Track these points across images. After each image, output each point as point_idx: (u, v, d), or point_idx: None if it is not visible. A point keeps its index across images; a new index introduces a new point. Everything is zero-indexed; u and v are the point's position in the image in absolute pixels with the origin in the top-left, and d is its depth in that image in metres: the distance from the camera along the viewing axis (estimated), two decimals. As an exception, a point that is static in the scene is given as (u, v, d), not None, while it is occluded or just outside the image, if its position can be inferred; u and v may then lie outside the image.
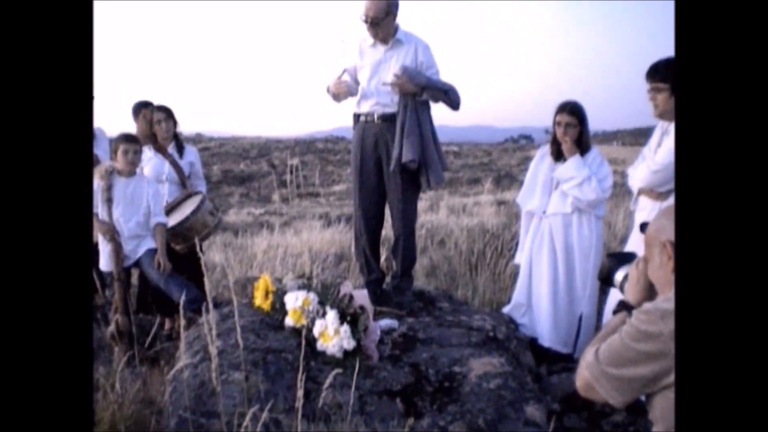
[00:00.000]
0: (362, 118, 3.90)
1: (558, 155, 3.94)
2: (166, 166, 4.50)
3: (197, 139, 40.26)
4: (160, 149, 4.52)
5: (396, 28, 3.79)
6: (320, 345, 2.93)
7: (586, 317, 3.91)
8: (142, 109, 4.68)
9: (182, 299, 2.63)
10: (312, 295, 3.08)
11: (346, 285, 3.25)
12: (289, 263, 5.75)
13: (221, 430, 2.40)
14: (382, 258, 4.27)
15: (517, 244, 4.45)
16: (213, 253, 6.68)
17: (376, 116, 3.83)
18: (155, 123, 4.48)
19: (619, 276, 1.95)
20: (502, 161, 30.84)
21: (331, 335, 2.91)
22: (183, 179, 4.56)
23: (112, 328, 3.77)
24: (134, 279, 4.38)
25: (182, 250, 4.29)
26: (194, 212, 4.24)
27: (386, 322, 3.51)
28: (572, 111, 3.83)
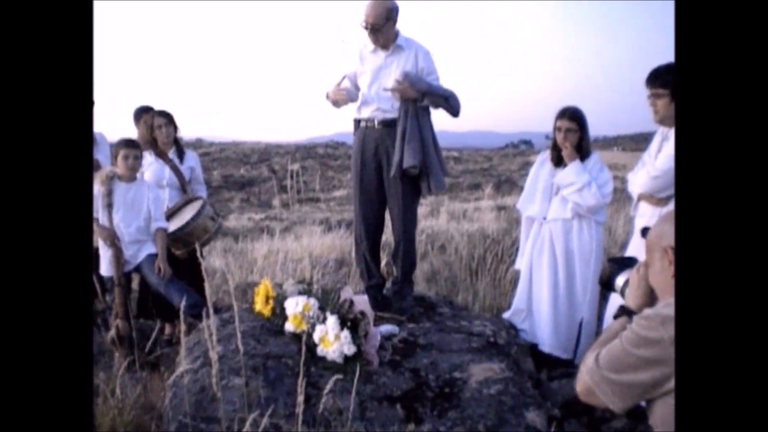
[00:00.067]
0: (363, 124, 3.90)
1: (558, 161, 3.94)
2: (167, 171, 4.51)
3: (198, 144, 40.30)
4: (161, 154, 4.52)
5: (396, 34, 3.80)
6: (320, 350, 2.93)
7: (586, 323, 3.91)
8: (142, 114, 4.69)
9: (183, 304, 2.63)
10: (312, 301, 3.08)
11: (346, 290, 3.25)
12: (290, 268, 5.75)
13: (221, 435, 2.40)
14: (383, 263, 4.27)
15: (517, 250, 4.45)
16: (213, 259, 6.69)
17: (376, 122, 3.83)
18: (156, 128, 4.49)
19: (619, 281, 1.95)
20: (502, 166, 30.86)
21: (332, 341, 2.91)
22: (183, 184, 4.56)
23: (112, 333, 3.77)
24: (135, 284, 4.38)
25: (183, 255, 4.29)
26: (195, 217, 4.24)
27: (386, 328, 3.51)
28: (572, 116, 3.83)
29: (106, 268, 3.95)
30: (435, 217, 9.95)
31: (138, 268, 4.02)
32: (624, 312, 1.81)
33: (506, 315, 4.21)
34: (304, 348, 2.54)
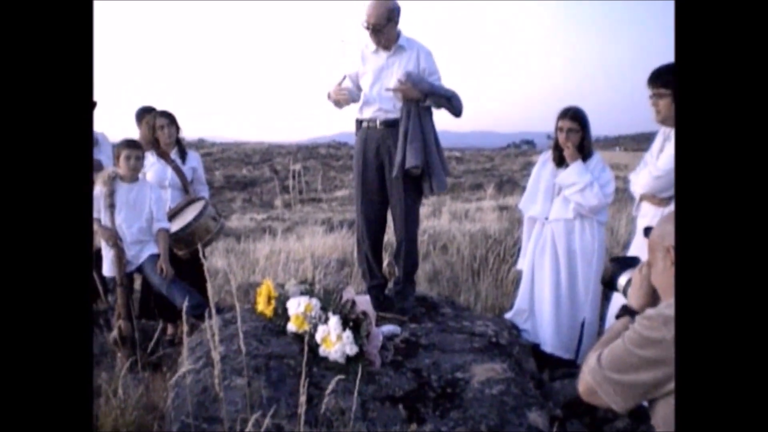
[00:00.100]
0: (365, 124, 3.91)
1: (560, 161, 3.94)
2: (169, 172, 4.51)
3: (200, 144, 40.37)
4: (163, 155, 4.53)
5: (398, 35, 3.80)
6: (323, 351, 2.93)
7: (588, 323, 3.91)
8: (145, 114, 4.70)
9: (185, 305, 2.63)
10: (314, 301, 3.08)
11: (348, 290, 3.25)
12: (292, 269, 5.76)
13: (223, 435, 2.40)
14: (385, 263, 4.27)
15: (519, 250, 4.44)
16: (215, 259, 6.70)
17: (378, 122, 3.84)
18: (158, 128, 4.50)
19: (622, 280, 1.95)
20: (504, 167, 30.86)
21: (334, 341, 2.91)
22: (186, 185, 4.57)
23: (114, 333, 3.78)
24: (137, 284, 4.38)
25: (185, 255, 4.29)
26: (197, 218, 4.24)
27: (389, 328, 3.51)
28: (574, 117, 3.83)
29: (108, 268, 3.95)
30: (437, 217, 9.95)
31: (140, 269, 4.02)
32: (626, 312, 1.81)
33: (508, 315, 4.21)
34: (306, 348, 2.55)
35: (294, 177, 21.91)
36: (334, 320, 2.94)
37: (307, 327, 3.01)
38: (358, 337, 2.94)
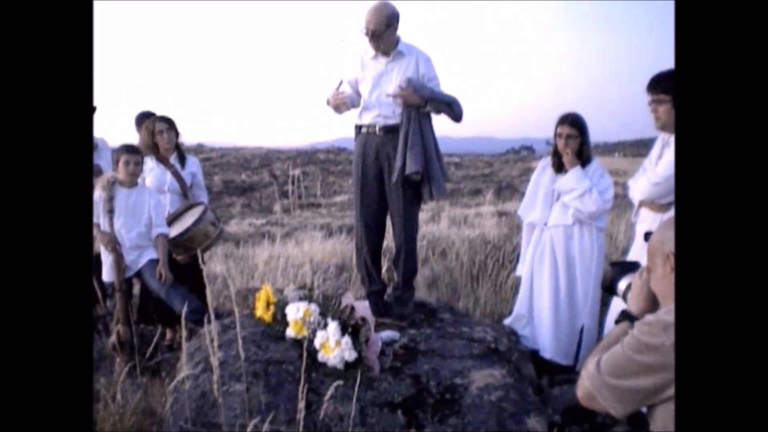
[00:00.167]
0: (364, 130, 3.91)
1: (559, 167, 3.94)
2: (168, 177, 4.51)
3: (199, 149, 40.41)
4: (162, 160, 4.53)
5: (397, 40, 3.81)
6: (321, 356, 2.93)
7: (587, 329, 3.91)
8: (144, 119, 4.71)
9: (184, 310, 2.63)
10: (313, 307, 3.08)
11: (347, 296, 3.25)
12: (291, 274, 5.75)
13: (222, 441, 2.40)
14: (384, 269, 4.27)
15: (518, 256, 4.45)
16: (214, 264, 6.69)
17: (377, 128, 3.84)
18: (157, 133, 4.50)
19: (622, 285, 1.95)
20: (503, 172, 30.89)
21: (333, 347, 2.91)
22: (185, 190, 4.57)
23: (113, 338, 3.77)
24: (136, 290, 4.38)
25: (184, 260, 4.29)
26: (196, 223, 4.24)
27: (387, 334, 3.50)
28: (573, 123, 3.84)
29: (107, 273, 3.95)
30: (436, 223, 9.95)
31: (139, 274, 4.02)
32: (626, 317, 1.81)
33: (507, 321, 4.21)
34: (305, 354, 2.54)
35: (293, 182, 21.92)
36: (333, 326, 2.94)
37: (305, 332, 3.01)
38: (357, 343, 2.93)
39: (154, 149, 4.53)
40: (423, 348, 3.39)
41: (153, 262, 3.98)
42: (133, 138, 4.73)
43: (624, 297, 1.93)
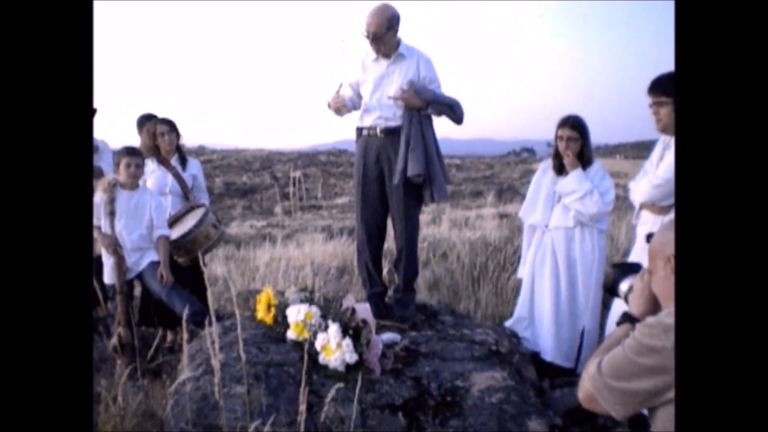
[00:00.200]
0: (365, 132, 3.91)
1: (560, 169, 3.95)
2: (169, 179, 4.52)
3: (200, 151, 40.44)
4: (164, 162, 4.53)
5: (398, 43, 3.81)
6: (322, 359, 2.92)
7: (588, 331, 3.90)
8: (145, 121, 4.71)
9: (185, 312, 2.63)
10: (314, 309, 3.08)
11: (348, 298, 3.24)
12: (292, 276, 5.75)
13: (223, 443, 2.40)
14: (385, 271, 4.27)
15: (519, 258, 4.44)
16: (215, 266, 6.69)
17: (378, 130, 3.84)
18: (158, 136, 4.51)
19: (623, 286, 1.95)
20: (504, 174, 30.90)
21: (334, 349, 2.90)
22: (186, 192, 4.57)
23: (114, 340, 3.77)
24: (137, 292, 4.38)
25: (185, 262, 4.29)
26: (197, 225, 4.24)
27: (388, 336, 3.50)
28: (574, 125, 3.84)
29: (108, 275, 3.95)
30: (437, 225, 9.96)
31: (140, 276, 4.02)
32: (627, 318, 1.81)
33: (508, 323, 4.21)
34: (306, 356, 2.54)
35: (294, 184, 21.94)
36: (334, 328, 2.94)
37: (306, 335, 3.01)
38: (358, 345, 2.93)
39: (155, 151, 4.53)
40: (424, 350, 3.38)
41: (154, 264, 3.98)
42: (134, 140, 4.73)
43: (625, 299, 1.93)
